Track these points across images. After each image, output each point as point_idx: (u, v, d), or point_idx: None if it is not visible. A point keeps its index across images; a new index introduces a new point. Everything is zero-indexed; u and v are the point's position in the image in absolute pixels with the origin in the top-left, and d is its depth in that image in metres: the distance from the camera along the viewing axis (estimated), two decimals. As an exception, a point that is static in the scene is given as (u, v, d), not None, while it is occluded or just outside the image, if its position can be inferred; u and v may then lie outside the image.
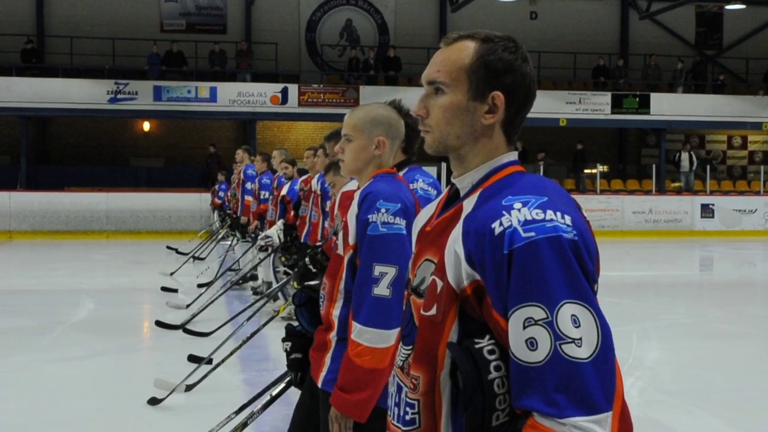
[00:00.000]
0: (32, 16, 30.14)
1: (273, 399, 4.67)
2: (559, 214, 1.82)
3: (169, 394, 6.98)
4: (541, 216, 1.81)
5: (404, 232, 3.18)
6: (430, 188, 5.26)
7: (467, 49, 2.03)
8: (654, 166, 29.96)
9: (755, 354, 9.81)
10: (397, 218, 3.20)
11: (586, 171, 30.21)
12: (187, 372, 7.41)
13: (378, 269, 3.15)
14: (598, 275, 1.88)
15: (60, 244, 22.90)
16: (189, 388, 7.27)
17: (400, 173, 3.66)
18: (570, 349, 1.73)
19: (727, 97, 31.49)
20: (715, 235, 27.10)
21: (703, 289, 17.35)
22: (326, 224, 7.97)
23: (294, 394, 3.95)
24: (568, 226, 1.80)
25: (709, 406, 7.43)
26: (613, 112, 29.73)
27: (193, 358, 8.08)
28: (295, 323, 3.71)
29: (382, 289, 3.13)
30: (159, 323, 10.26)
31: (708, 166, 30.28)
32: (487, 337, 1.85)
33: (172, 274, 15.26)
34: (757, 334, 11.15)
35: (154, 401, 6.91)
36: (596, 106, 29.65)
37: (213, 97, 27.39)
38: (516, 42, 2.05)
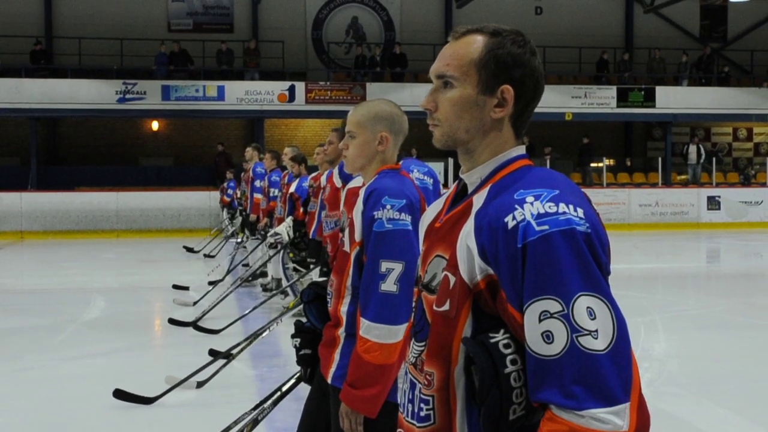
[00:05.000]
0: (40, 17, 30.22)
1: (283, 395, 4.66)
2: (571, 206, 1.81)
3: (169, 390, 6.98)
4: (554, 209, 1.80)
5: (410, 227, 3.18)
6: (425, 177, 5.33)
7: (476, 42, 2.02)
8: (660, 159, 29.92)
9: (763, 344, 9.82)
10: (403, 214, 3.20)
11: (593, 165, 30.19)
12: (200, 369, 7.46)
13: (385, 265, 3.15)
14: (610, 268, 1.88)
15: (71, 244, 23.00)
16: (200, 384, 7.27)
17: (396, 165, 3.66)
18: (586, 341, 1.72)
19: (732, 89, 31.45)
20: (721, 226, 27.09)
21: (711, 280, 17.37)
22: (323, 215, 8.04)
23: (304, 389, 3.96)
24: (580, 218, 1.79)
25: (718, 396, 7.42)
26: (618, 106, 29.75)
27: (213, 353, 8.06)
28: (304, 320, 3.70)
29: (389, 285, 3.13)
30: (172, 321, 10.32)
31: (714, 159, 30.26)
32: (502, 331, 1.84)
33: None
34: (765, 324, 11.14)
35: (148, 401, 6.92)
36: (602, 100, 29.66)
37: (221, 95, 27.46)
38: (524, 36, 2.04)
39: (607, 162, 30.25)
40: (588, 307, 1.74)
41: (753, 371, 8.47)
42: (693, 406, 7.18)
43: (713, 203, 27.52)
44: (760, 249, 22.84)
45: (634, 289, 13.69)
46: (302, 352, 3.68)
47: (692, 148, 29.74)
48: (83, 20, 30.06)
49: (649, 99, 29.95)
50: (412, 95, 25.31)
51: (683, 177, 30.90)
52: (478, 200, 1.96)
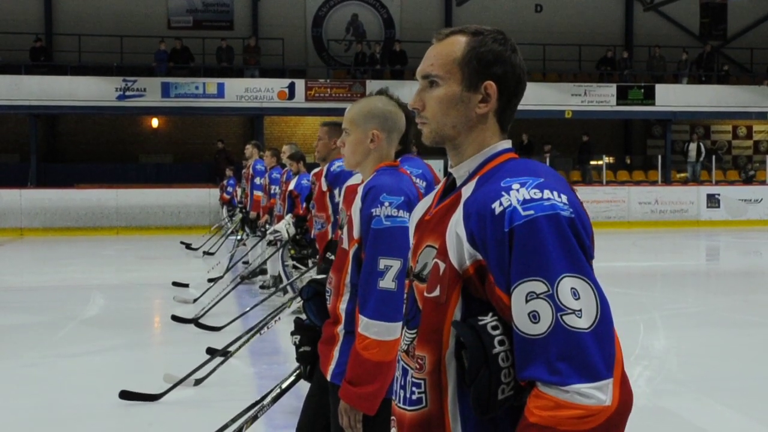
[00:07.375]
0: (40, 14, 30.23)
1: (283, 392, 4.67)
2: (555, 193, 1.89)
3: (172, 387, 6.99)
4: (539, 195, 1.88)
5: (408, 224, 3.12)
6: (418, 180, 5.26)
7: (459, 43, 2.10)
8: (660, 156, 29.97)
9: (762, 342, 9.81)
10: (401, 211, 3.20)
11: (592, 162, 30.24)
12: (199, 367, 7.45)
13: (383, 262, 3.15)
14: (594, 252, 1.94)
15: (70, 241, 23.03)
16: (198, 381, 7.27)
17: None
18: (571, 320, 1.79)
19: (732, 87, 31.48)
20: (721, 224, 27.13)
21: (710, 278, 17.38)
22: (312, 211, 8.03)
23: (304, 386, 3.96)
24: (564, 204, 1.88)
25: (717, 394, 7.41)
26: (618, 104, 29.74)
27: (211, 351, 8.03)
28: (304, 317, 3.69)
29: (387, 282, 3.13)
30: (175, 317, 10.33)
31: (713, 156, 30.29)
32: (490, 314, 1.91)
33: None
34: (764, 322, 11.14)
35: (153, 398, 6.92)
36: (601, 97, 29.65)
37: (221, 93, 27.48)
38: (505, 34, 2.12)
39: (606, 160, 30.30)
40: (572, 288, 1.82)
41: (752, 368, 8.48)
42: (692, 403, 7.17)
43: (713, 201, 27.56)
44: (759, 247, 22.87)
45: (634, 287, 13.72)
46: (302, 350, 3.68)
47: (692, 146, 29.73)
48: (83, 17, 30.08)
49: (649, 97, 29.96)
50: (412, 93, 24.45)
51: (683, 175, 30.90)
52: (467, 191, 2.03)
